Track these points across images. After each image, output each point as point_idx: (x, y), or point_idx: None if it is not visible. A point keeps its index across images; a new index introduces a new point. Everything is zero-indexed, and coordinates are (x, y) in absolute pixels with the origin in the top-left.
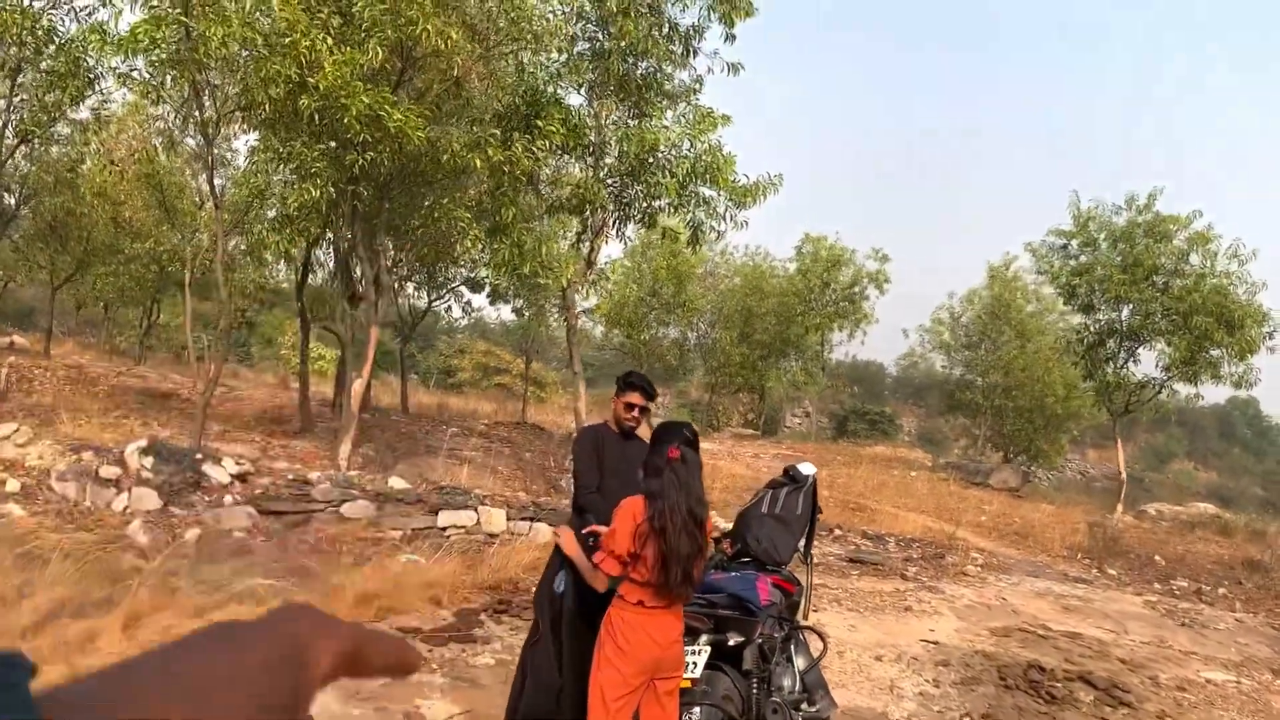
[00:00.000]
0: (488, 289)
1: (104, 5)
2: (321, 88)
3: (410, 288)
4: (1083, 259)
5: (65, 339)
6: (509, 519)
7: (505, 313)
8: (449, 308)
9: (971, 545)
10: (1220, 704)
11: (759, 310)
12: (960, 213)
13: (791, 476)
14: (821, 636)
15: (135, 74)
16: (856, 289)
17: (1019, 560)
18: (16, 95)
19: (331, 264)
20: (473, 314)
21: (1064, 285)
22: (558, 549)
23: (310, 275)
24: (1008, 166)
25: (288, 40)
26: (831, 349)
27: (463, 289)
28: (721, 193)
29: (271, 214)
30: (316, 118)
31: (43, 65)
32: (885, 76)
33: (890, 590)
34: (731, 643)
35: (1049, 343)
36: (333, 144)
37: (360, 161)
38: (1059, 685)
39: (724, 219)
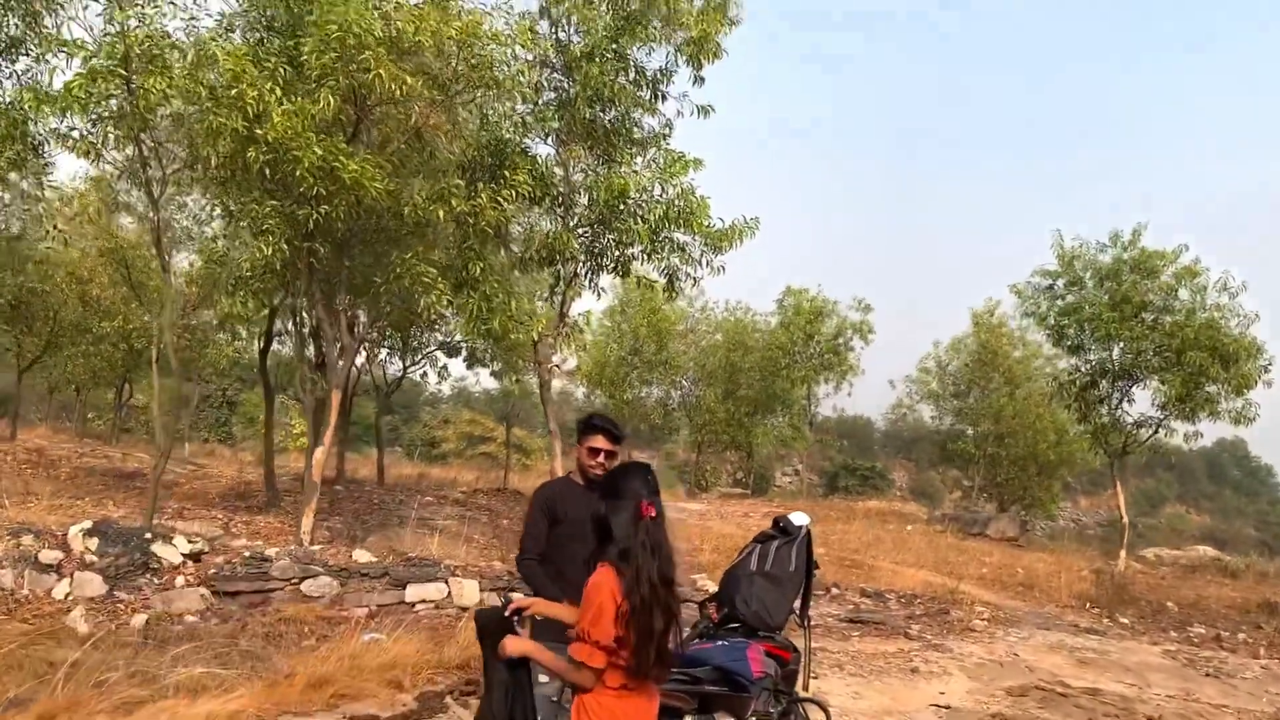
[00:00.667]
0: (464, 353)
1: (38, 62)
2: (270, 139)
3: (383, 353)
4: (1069, 299)
5: (40, 423)
6: (482, 590)
7: (485, 379)
8: (424, 374)
9: (976, 599)
10: None
11: (742, 365)
12: (950, 257)
13: (782, 528)
14: (824, 708)
15: (75, 134)
16: (840, 340)
17: (1027, 612)
18: None
19: (292, 328)
20: (448, 379)
21: (1052, 326)
22: (488, 661)
23: (280, 344)
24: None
25: (234, 92)
26: (818, 403)
27: (438, 354)
28: (697, 238)
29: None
30: (268, 172)
31: None
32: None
33: (894, 651)
34: None
35: (1039, 388)
36: (287, 201)
37: (314, 216)
38: None
39: (700, 264)
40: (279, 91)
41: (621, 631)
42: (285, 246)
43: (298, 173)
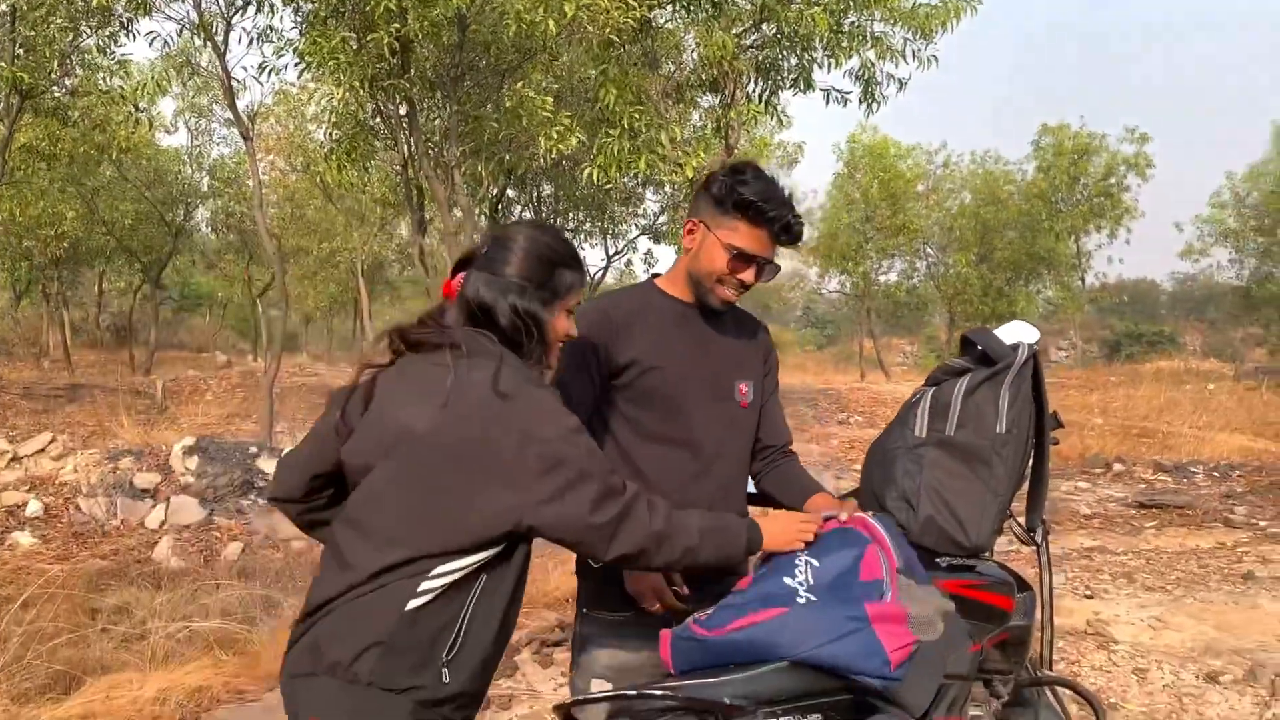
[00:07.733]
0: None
1: None
2: None
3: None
4: None
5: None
6: None
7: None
8: (629, 263)
9: None
10: None
11: (996, 223)
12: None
13: (981, 353)
14: (1090, 700)
15: None
16: (1113, 180)
17: None
18: None
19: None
20: (654, 265)
21: None
22: None
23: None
24: None
25: None
26: (1089, 259)
27: (640, 240)
28: (897, 26)
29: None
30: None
31: None
32: None
33: (1211, 547)
34: None
35: None
36: (357, 30)
37: (388, 41)
38: None
39: (902, 58)
40: None
41: None
42: (365, 89)
43: None
